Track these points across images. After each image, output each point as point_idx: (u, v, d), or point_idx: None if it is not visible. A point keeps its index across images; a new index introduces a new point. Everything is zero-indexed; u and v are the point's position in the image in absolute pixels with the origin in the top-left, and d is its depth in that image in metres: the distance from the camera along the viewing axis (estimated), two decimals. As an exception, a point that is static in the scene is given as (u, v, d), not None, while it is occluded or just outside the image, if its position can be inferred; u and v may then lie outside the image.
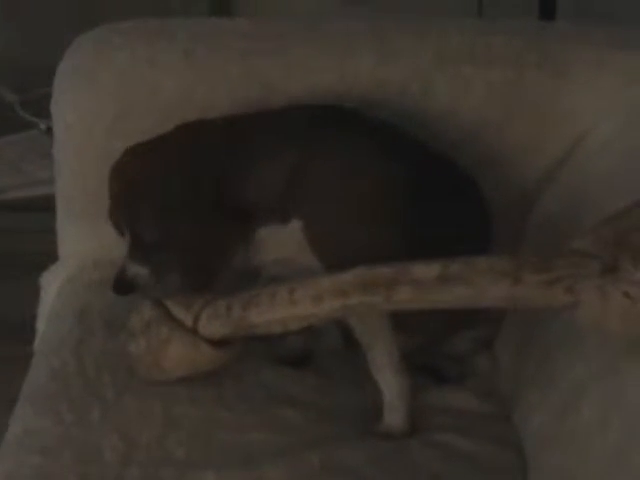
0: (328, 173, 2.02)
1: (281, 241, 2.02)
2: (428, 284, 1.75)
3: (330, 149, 2.04)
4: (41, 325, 2.28)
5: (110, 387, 1.96)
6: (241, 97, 2.21)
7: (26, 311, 2.31)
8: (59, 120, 2.29)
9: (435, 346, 2.15)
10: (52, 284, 2.35)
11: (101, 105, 2.21)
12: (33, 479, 1.79)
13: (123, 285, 1.98)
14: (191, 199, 1.98)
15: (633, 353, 1.66)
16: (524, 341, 2.06)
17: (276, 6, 3.91)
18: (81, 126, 2.25)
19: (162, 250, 1.98)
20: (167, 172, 1.99)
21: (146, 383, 1.97)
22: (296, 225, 2.00)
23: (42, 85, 2.34)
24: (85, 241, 2.35)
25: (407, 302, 1.78)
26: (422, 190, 2.02)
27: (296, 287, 1.87)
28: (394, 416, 1.99)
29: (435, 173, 2.08)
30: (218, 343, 1.93)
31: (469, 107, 2.26)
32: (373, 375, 1.98)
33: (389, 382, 1.98)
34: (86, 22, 2.23)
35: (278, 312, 1.87)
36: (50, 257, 2.38)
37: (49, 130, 2.39)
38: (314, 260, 2.00)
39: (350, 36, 2.32)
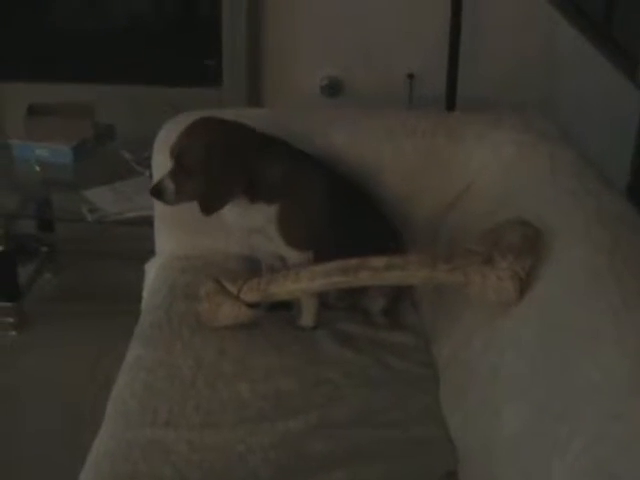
0: (303, 185, 2.00)
1: (262, 214, 1.97)
2: (380, 270, 1.79)
3: (308, 174, 2.01)
4: (145, 294, 2.26)
5: (186, 331, 1.97)
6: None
7: (138, 285, 2.31)
8: (155, 169, 2.24)
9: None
10: (152, 269, 2.31)
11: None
12: (143, 387, 1.82)
13: (156, 190, 1.94)
14: (226, 159, 1.91)
15: (501, 312, 1.70)
16: (436, 300, 2.03)
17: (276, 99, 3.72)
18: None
19: (191, 177, 1.90)
20: (218, 139, 1.92)
21: (207, 329, 1.97)
22: (274, 208, 1.97)
23: (147, 149, 2.33)
24: (172, 243, 2.31)
25: (366, 280, 1.82)
26: (342, 203, 2.03)
27: (299, 271, 1.89)
28: (305, 318, 2.04)
29: (353, 198, 2.09)
30: (251, 305, 1.93)
31: (400, 162, 2.20)
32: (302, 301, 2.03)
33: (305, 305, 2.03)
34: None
35: (288, 286, 1.89)
36: (150, 253, 2.36)
37: (150, 176, 2.39)
38: (272, 231, 1.98)
39: (331, 123, 2.25)
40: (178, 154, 1.94)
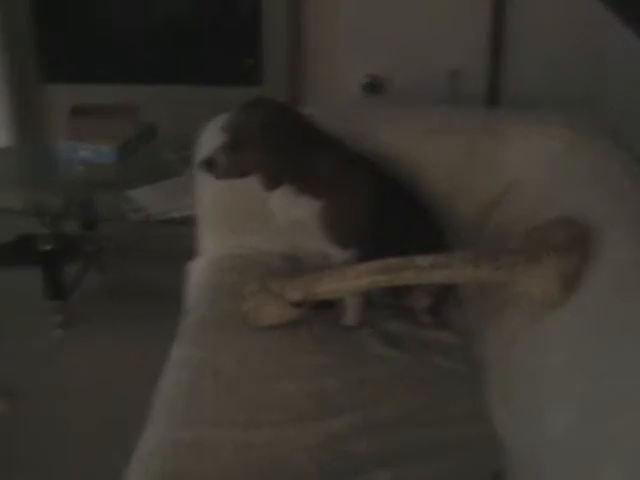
0: (351, 184, 1.99)
1: (308, 208, 1.97)
2: (425, 269, 1.79)
3: (357, 173, 2.00)
4: (189, 293, 2.25)
5: (231, 330, 1.98)
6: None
7: (182, 284, 2.31)
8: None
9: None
10: (195, 269, 2.32)
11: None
12: (188, 386, 1.82)
13: (207, 163, 1.89)
14: (282, 137, 1.89)
15: (546, 312, 1.68)
16: (481, 299, 2.02)
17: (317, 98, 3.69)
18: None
19: (245, 152, 1.88)
20: (276, 119, 1.91)
21: (252, 328, 1.98)
22: (320, 203, 1.96)
23: (189, 148, 2.34)
24: (215, 243, 2.32)
25: (411, 279, 1.82)
26: (388, 201, 2.02)
27: (344, 270, 1.90)
28: (349, 317, 2.04)
29: (399, 196, 2.07)
30: (295, 304, 1.94)
31: (443, 159, 2.19)
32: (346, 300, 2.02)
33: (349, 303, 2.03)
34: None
35: (334, 285, 1.90)
36: (194, 253, 2.38)
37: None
38: (317, 227, 1.98)
39: (374, 122, 2.26)
40: (234, 128, 1.91)
